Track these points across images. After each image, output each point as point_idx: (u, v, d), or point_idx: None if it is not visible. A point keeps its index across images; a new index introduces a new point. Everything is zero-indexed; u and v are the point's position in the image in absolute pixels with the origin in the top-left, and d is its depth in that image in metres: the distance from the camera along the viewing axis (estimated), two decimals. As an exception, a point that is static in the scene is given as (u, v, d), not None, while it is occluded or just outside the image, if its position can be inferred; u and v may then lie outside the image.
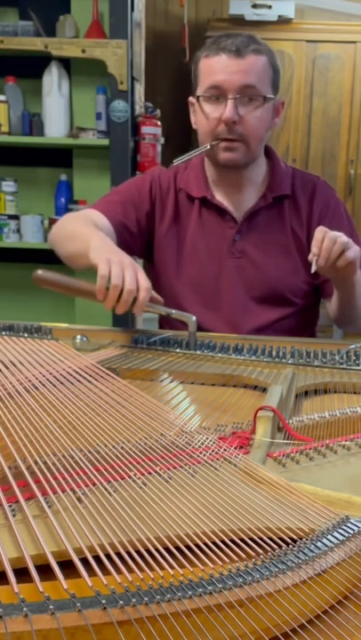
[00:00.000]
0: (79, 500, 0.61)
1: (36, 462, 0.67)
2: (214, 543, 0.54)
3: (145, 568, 0.49)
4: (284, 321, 1.50)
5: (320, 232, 1.25)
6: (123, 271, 1.15)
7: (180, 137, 3.87)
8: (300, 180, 1.52)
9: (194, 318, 1.25)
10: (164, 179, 1.54)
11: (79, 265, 1.38)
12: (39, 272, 1.29)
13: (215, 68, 1.34)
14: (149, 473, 0.68)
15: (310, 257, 1.25)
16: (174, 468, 0.70)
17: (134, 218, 1.51)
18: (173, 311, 1.27)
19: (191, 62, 1.45)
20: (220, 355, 1.20)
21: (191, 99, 1.44)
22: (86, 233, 1.33)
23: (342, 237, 1.24)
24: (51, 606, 0.42)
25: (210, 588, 0.46)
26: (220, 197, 1.50)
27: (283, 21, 3.94)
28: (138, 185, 1.55)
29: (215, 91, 1.35)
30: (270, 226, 1.50)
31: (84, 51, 2.91)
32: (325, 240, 1.23)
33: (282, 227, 1.50)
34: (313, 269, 1.26)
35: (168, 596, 0.45)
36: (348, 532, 0.57)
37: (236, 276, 1.49)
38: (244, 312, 1.48)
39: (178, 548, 0.53)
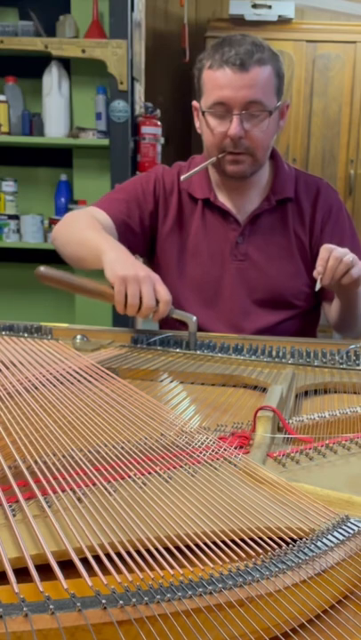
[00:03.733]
0: (79, 499, 0.61)
1: (35, 462, 0.67)
2: (214, 543, 0.54)
3: (145, 568, 0.49)
4: (285, 324, 1.50)
5: (325, 251, 1.25)
6: (140, 288, 1.18)
7: (180, 137, 3.87)
8: (303, 183, 1.52)
9: (194, 318, 1.25)
10: (167, 178, 1.54)
11: (85, 267, 1.39)
12: (41, 269, 1.29)
13: (220, 82, 1.33)
14: (149, 473, 0.68)
15: (315, 274, 1.26)
16: (174, 467, 0.70)
17: (138, 217, 1.50)
18: (175, 311, 1.27)
19: (192, 64, 1.45)
20: (220, 355, 1.20)
21: (195, 103, 1.44)
22: (95, 239, 1.32)
23: (348, 256, 1.24)
24: (51, 606, 0.42)
25: (210, 587, 0.46)
26: (223, 199, 1.50)
27: (283, 21, 3.94)
28: (143, 183, 1.54)
29: (221, 107, 1.34)
30: (273, 229, 1.50)
31: (84, 51, 2.92)
32: (331, 259, 1.23)
33: (285, 230, 1.49)
34: (317, 287, 1.27)
35: (168, 595, 0.45)
36: (348, 532, 0.57)
37: (238, 279, 1.48)
38: (245, 315, 1.48)
39: (178, 548, 0.53)
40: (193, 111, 1.47)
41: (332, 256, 1.24)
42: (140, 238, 1.52)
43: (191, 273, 1.51)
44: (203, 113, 1.39)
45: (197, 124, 1.46)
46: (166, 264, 1.53)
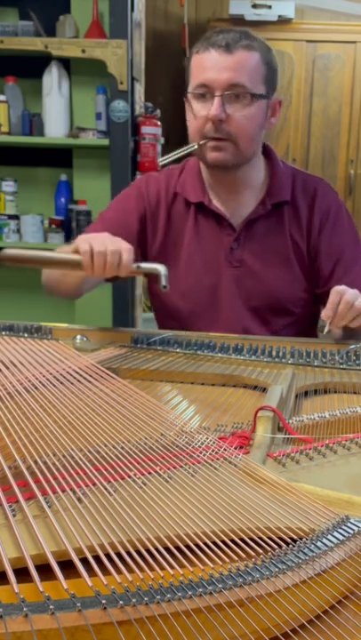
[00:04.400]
0: (79, 500, 0.61)
1: (35, 462, 0.67)
2: (214, 543, 0.54)
3: (145, 568, 0.49)
4: (283, 331, 1.46)
5: (336, 294, 1.21)
6: (103, 242, 1.19)
7: (180, 137, 3.86)
8: (300, 184, 1.47)
9: (162, 268, 1.21)
10: (152, 190, 1.49)
11: (73, 282, 1.37)
12: (3, 251, 1.25)
13: (204, 64, 1.30)
14: (149, 473, 0.68)
15: (324, 317, 1.22)
16: (174, 467, 0.70)
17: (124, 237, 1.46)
18: (141, 265, 1.24)
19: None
20: (220, 355, 1.20)
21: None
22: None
23: (359, 300, 1.20)
24: (51, 606, 0.42)
25: (210, 587, 0.46)
26: (217, 203, 1.45)
27: (283, 21, 3.94)
28: (124, 205, 1.50)
29: (203, 88, 1.31)
30: (269, 234, 1.45)
31: (84, 51, 2.91)
32: (342, 303, 1.19)
33: (281, 235, 1.45)
34: (325, 331, 1.22)
35: (168, 595, 0.45)
36: (349, 532, 0.57)
37: (234, 287, 1.45)
38: (242, 323, 1.44)
39: (178, 548, 0.53)
40: (185, 105, 1.43)
41: (343, 300, 1.20)
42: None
43: (186, 282, 1.46)
44: (187, 98, 1.35)
45: (188, 118, 1.41)
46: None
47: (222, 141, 1.33)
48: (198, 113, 1.33)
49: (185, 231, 1.47)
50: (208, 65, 1.30)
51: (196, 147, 1.36)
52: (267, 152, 1.48)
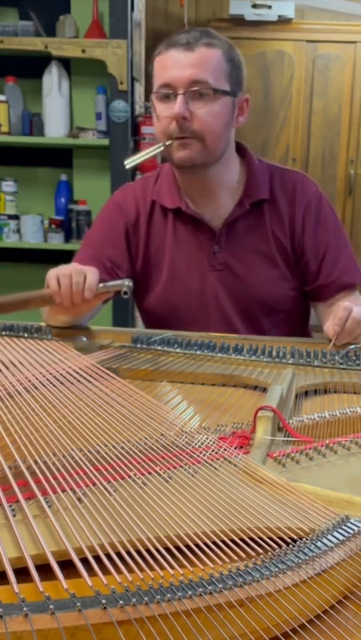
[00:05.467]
0: (79, 499, 0.61)
1: (35, 462, 0.67)
2: (214, 543, 0.54)
3: (145, 568, 0.49)
4: (273, 329, 1.45)
5: (345, 310, 1.21)
6: (68, 267, 1.24)
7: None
8: (278, 181, 1.44)
9: (127, 281, 1.25)
10: (130, 202, 1.47)
11: (64, 320, 1.36)
12: None
13: (165, 64, 1.29)
14: (149, 473, 0.68)
15: (330, 333, 1.22)
16: (174, 467, 0.70)
17: (113, 260, 1.44)
18: (107, 284, 1.26)
19: None
20: (220, 355, 1.20)
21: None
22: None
23: None
24: (51, 606, 0.42)
25: (210, 587, 0.46)
26: (194, 207, 1.42)
27: (283, 21, 3.93)
28: (108, 224, 1.48)
29: (166, 88, 1.29)
30: (250, 234, 1.42)
31: (84, 51, 2.92)
32: (349, 320, 1.20)
33: (263, 234, 1.42)
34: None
35: (168, 595, 0.45)
36: (348, 532, 0.57)
37: (220, 290, 1.43)
38: (231, 326, 1.43)
39: (178, 548, 0.53)
40: (152, 110, 1.40)
41: (351, 317, 1.20)
42: (124, 273, 1.45)
43: (171, 290, 1.45)
44: (152, 100, 1.33)
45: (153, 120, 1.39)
46: (147, 288, 1.48)
47: (188, 139, 1.30)
48: (162, 113, 1.31)
49: (166, 238, 1.45)
50: (169, 64, 1.28)
51: (162, 147, 1.33)
52: (241, 151, 1.45)
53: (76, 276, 1.22)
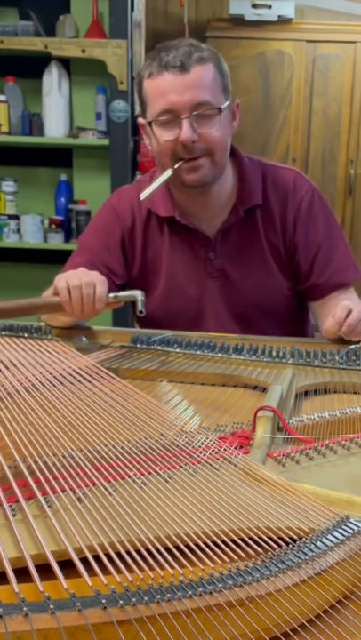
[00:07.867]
0: (79, 499, 0.61)
1: (35, 462, 0.67)
2: (214, 543, 0.54)
3: (145, 568, 0.49)
4: (270, 331, 1.45)
5: (344, 309, 1.23)
6: (78, 276, 1.23)
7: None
8: (271, 182, 1.43)
9: (139, 294, 1.25)
10: (126, 207, 1.46)
11: (64, 321, 1.36)
12: None
13: (162, 89, 1.25)
14: (149, 473, 0.68)
15: (330, 333, 1.26)
16: (174, 467, 0.70)
17: (109, 267, 1.44)
18: (118, 295, 1.27)
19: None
20: (220, 355, 1.20)
21: (141, 120, 1.35)
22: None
23: None
24: (51, 606, 0.42)
25: (210, 587, 0.46)
26: (188, 215, 1.42)
27: (283, 21, 3.93)
28: (104, 229, 1.47)
29: (167, 114, 1.26)
30: (244, 240, 1.42)
31: (84, 51, 2.92)
32: (350, 318, 1.22)
33: (256, 239, 1.42)
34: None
35: (168, 595, 0.45)
36: (348, 532, 0.57)
37: (217, 296, 1.43)
38: (228, 331, 1.42)
39: (178, 548, 0.53)
40: (140, 129, 1.39)
41: (351, 316, 1.23)
42: (119, 281, 1.46)
43: (169, 297, 1.45)
44: (151, 125, 1.30)
45: (147, 142, 1.37)
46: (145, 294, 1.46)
47: (198, 159, 1.30)
48: (166, 138, 1.28)
49: (162, 246, 1.45)
50: (166, 89, 1.25)
51: (170, 173, 1.31)
52: (232, 152, 1.43)
53: (86, 288, 1.21)
